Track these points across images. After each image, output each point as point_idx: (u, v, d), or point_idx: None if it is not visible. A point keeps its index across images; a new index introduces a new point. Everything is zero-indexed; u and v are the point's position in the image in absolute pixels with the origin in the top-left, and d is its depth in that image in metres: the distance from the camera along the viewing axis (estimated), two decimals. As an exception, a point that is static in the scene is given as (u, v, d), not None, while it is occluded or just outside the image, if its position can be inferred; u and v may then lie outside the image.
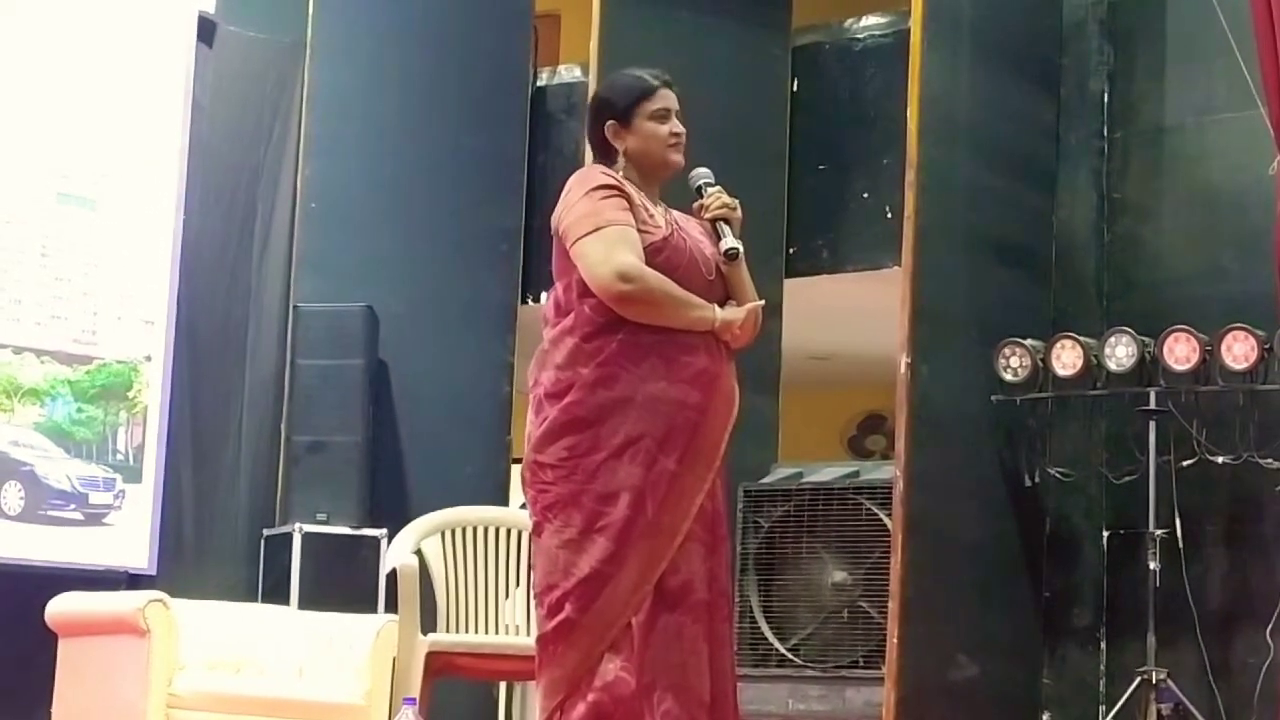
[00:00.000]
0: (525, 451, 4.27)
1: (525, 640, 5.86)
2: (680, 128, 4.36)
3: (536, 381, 4.27)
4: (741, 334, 4.30)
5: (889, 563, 7.01)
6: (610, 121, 4.36)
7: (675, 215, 4.38)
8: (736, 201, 4.37)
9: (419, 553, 5.92)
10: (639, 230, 4.22)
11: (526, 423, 4.28)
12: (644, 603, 4.12)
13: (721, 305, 4.30)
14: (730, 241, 4.31)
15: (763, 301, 4.37)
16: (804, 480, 7.71)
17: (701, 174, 4.42)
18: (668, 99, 4.36)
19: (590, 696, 4.10)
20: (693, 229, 4.37)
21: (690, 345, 4.23)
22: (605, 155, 4.38)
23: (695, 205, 4.39)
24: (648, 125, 4.33)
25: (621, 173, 4.33)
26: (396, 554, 5.91)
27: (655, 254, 4.22)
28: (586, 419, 4.17)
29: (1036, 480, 7.46)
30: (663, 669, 4.10)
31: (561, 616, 4.13)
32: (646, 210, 4.28)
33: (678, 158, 4.36)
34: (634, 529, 4.12)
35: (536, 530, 4.24)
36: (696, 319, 4.23)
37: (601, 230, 4.19)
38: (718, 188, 4.39)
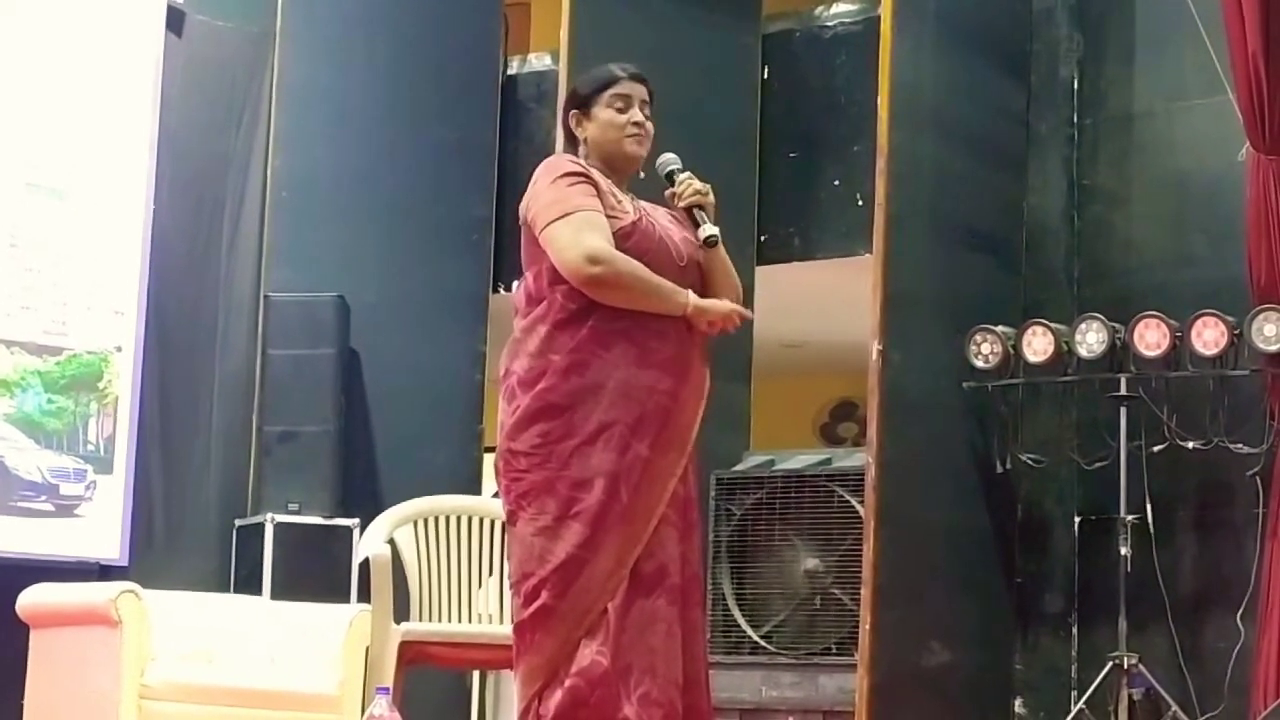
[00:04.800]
0: (498, 440, 4.26)
1: (498, 629, 5.87)
2: (640, 117, 4.35)
3: (508, 371, 4.27)
4: (714, 326, 4.30)
5: (861, 550, 7.02)
6: (574, 110, 4.39)
7: (643, 204, 4.38)
8: (709, 186, 4.36)
9: (392, 542, 5.92)
10: (607, 216, 4.23)
11: (499, 412, 4.28)
12: (620, 587, 4.13)
13: (695, 291, 4.30)
14: (709, 229, 4.31)
15: (750, 315, 4.38)
16: (776, 468, 7.72)
17: (669, 160, 4.40)
18: (631, 89, 4.36)
19: (567, 682, 4.11)
20: (661, 217, 4.38)
21: (660, 332, 4.23)
22: (572, 145, 4.41)
23: (667, 193, 4.39)
24: (606, 113, 4.34)
25: (586, 162, 4.34)
26: (369, 543, 5.90)
27: (624, 239, 4.23)
28: (559, 405, 4.17)
29: (1008, 466, 7.47)
30: (639, 652, 4.11)
31: (539, 603, 4.13)
32: (614, 196, 4.29)
33: (634, 147, 4.35)
34: (609, 514, 4.13)
35: (511, 519, 4.24)
36: (668, 304, 4.24)
37: (569, 216, 4.19)
38: (687, 174, 4.38)
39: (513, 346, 4.29)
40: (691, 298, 4.25)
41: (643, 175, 4.42)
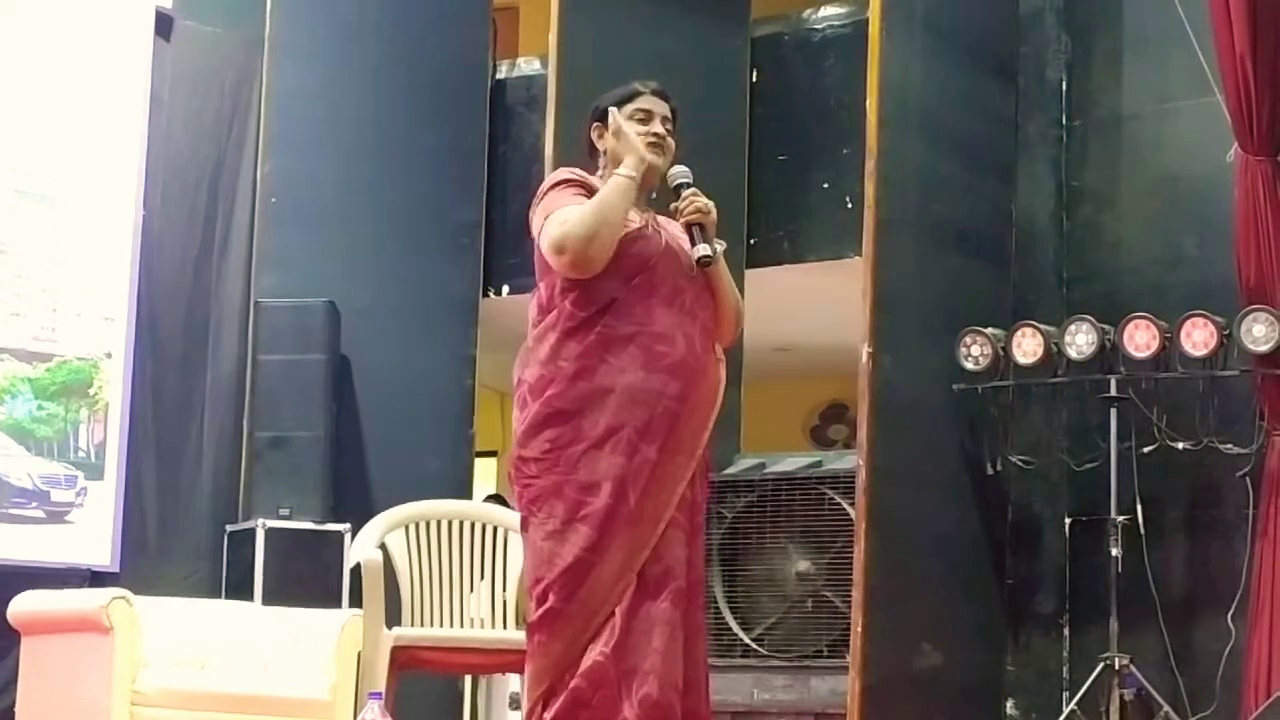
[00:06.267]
0: (511, 448, 4.30)
1: (490, 633, 5.88)
2: (660, 129, 4.38)
3: (520, 380, 4.32)
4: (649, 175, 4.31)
5: (852, 552, 7.02)
6: (595, 123, 4.42)
7: (661, 218, 4.41)
8: (711, 205, 4.35)
9: (383, 547, 5.92)
10: None
11: (514, 420, 4.31)
12: (627, 590, 4.15)
13: (705, 301, 4.34)
14: (702, 249, 4.30)
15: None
16: (767, 470, 7.72)
17: (680, 172, 4.40)
18: (653, 104, 4.41)
19: (571, 683, 4.14)
20: (676, 229, 4.40)
21: (669, 337, 4.26)
22: (592, 157, 4.44)
23: (672, 206, 4.39)
24: (626, 125, 4.36)
25: (601, 173, 4.37)
26: (361, 548, 5.90)
27: (631, 243, 4.28)
28: (567, 411, 4.21)
29: (999, 468, 7.48)
30: (643, 655, 4.14)
31: (546, 606, 4.18)
32: None
33: (650, 156, 4.35)
34: (616, 517, 4.17)
35: (523, 525, 4.30)
36: (625, 197, 4.23)
37: (547, 221, 4.25)
38: (693, 190, 4.36)
39: (524, 355, 4.33)
40: (627, 169, 4.25)
41: (654, 195, 4.42)
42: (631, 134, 4.30)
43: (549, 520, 4.20)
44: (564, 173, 4.37)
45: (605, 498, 4.17)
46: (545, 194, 4.31)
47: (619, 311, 4.24)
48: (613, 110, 4.36)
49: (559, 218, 4.23)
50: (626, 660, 4.13)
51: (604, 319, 4.24)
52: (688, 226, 4.35)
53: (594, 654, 4.14)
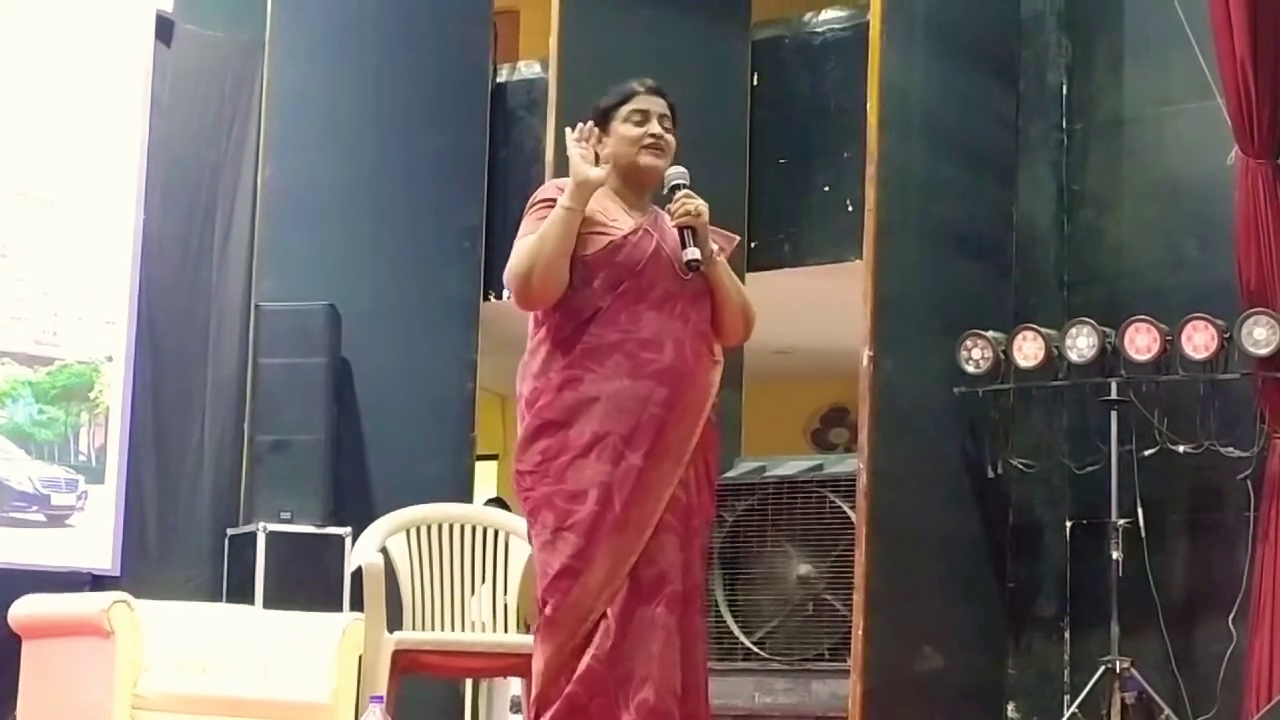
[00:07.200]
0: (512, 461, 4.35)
1: (491, 637, 5.89)
2: (658, 129, 4.35)
3: (518, 394, 4.36)
4: (582, 188, 4.24)
5: (853, 555, 7.02)
6: (595, 128, 4.40)
7: (664, 219, 4.37)
8: (704, 207, 4.31)
9: (384, 551, 5.92)
10: (595, 233, 4.26)
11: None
12: (617, 596, 4.17)
13: (700, 304, 4.33)
14: (691, 252, 4.27)
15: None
16: (768, 474, 7.71)
17: (675, 174, 4.37)
18: (648, 102, 4.38)
19: (566, 689, 4.15)
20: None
21: (656, 342, 4.26)
22: (597, 161, 4.41)
23: (667, 208, 4.38)
24: (622, 127, 4.37)
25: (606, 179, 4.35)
26: (362, 552, 5.91)
27: (614, 252, 4.27)
28: (556, 421, 4.24)
29: (999, 471, 7.48)
30: (639, 660, 4.15)
31: (543, 615, 4.21)
32: (606, 213, 4.29)
33: (648, 159, 4.35)
34: (601, 525, 4.18)
35: (528, 537, 4.33)
36: (566, 226, 4.22)
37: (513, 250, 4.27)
38: (685, 192, 4.33)
39: (521, 370, 4.37)
40: (565, 199, 4.24)
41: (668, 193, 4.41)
42: (575, 159, 4.28)
43: (543, 531, 4.24)
44: (543, 191, 4.37)
45: (591, 505, 4.19)
46: (523, 220, 4.33)
47: (604, 320, 4.25)
48: (568, 130, 4.36)
49: (513, 250, 4.27)
50: (621, 666, 4.14)
51: (590, 328, 4.25)
52: (679, 229, 4.32)
53: (588, 659, 4.16)
